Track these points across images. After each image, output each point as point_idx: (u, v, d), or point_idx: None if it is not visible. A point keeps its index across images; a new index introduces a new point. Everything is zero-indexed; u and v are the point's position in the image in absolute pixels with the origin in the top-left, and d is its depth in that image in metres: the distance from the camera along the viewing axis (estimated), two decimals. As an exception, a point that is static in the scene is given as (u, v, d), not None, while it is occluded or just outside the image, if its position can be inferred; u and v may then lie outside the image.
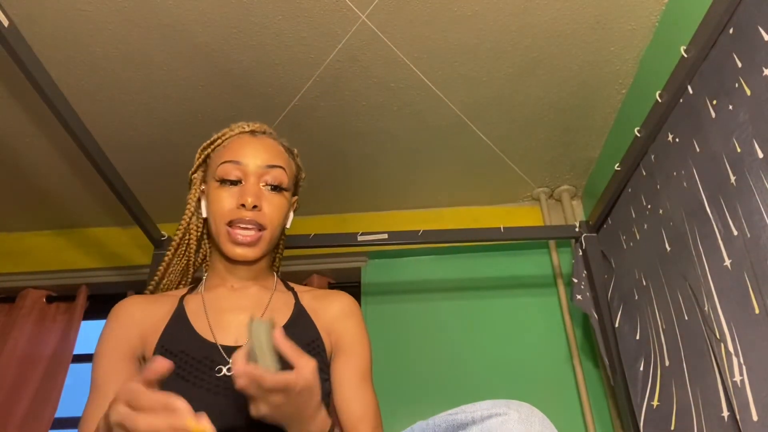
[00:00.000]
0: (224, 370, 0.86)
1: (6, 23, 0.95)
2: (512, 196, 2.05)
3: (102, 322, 2.39)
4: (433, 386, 1.73)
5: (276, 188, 0.99)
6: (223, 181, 0.97)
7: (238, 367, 0.67)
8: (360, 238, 1.55)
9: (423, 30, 1.39)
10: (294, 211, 1.08)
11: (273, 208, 0.97)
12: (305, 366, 0.69)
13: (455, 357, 1.80)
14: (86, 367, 2.09)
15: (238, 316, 0.95)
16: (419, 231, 1.60)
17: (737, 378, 0.90)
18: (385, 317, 1.86)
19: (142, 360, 0.92)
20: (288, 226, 1.06)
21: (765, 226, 0.87)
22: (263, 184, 0.98)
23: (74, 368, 1.92)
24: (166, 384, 0.82)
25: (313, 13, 1.34)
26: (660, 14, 1.35)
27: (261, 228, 0.96)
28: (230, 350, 0.89)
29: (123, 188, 1.36)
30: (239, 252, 0.94)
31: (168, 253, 1.07)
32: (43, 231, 2.13)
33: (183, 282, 1.11)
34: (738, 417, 0.88)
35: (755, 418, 0.84)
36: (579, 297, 1.56)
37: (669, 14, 1.33)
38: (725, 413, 0.94)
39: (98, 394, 0.87)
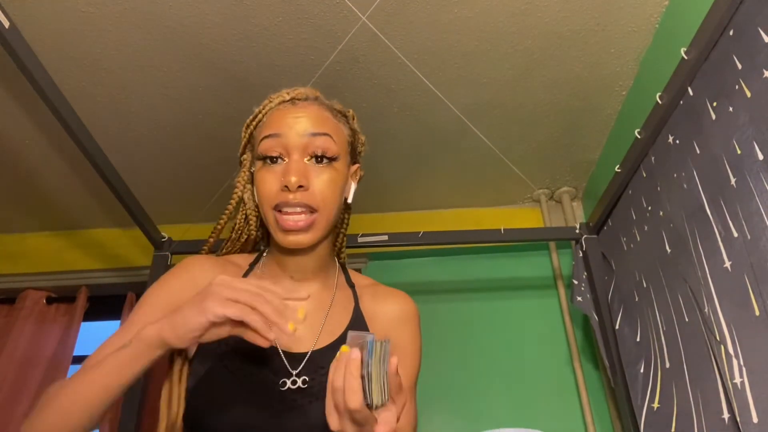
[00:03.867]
0: (288, 384, 0.81)
1: (6, 24, 0.95)
2: (512, 197, 2.05)
3: (102, 323, 2.38)
4: (434, 388, 1.73)
5: (323, 159, 0.86)
6: (265, 160, 0.87)
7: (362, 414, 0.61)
8: (360, 240, 1.55)
9: (423, 31, 1.39)
10: (358, 181, 0.97)
11: (323, 184, 0.85)
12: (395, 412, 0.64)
13: (456, 359, 1.79)
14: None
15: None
16: (419, 232, 1.59)
17: (737, 380, 0.90)
18: (385, 319, 1.86)
19: None
20: (350, 199, 0.94)
21: (765, 228, 0.87)
22: (308, 158, 0.86)
23: (74, 370, 1.91)
24: (220, 383, 0.80)
25: (314, 14, 1.34)
26: (660, 16, 1.35)
27: (312, 210, 0.84)
28: (294, 359, 0.83)
29: (123, 189, 1.35)
30: (291, 240, 0.84)
31: (225, 244, 0.98)
32: (43, 232, 2.13)
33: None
34: (738, 419, 0.88)
35: (755, 419, 0.84)
36: (579, 299, 1.56)
37: (669, 16, 1.33)
38: (725, 415, 0.93)
39: (128, 333, 0.77)
